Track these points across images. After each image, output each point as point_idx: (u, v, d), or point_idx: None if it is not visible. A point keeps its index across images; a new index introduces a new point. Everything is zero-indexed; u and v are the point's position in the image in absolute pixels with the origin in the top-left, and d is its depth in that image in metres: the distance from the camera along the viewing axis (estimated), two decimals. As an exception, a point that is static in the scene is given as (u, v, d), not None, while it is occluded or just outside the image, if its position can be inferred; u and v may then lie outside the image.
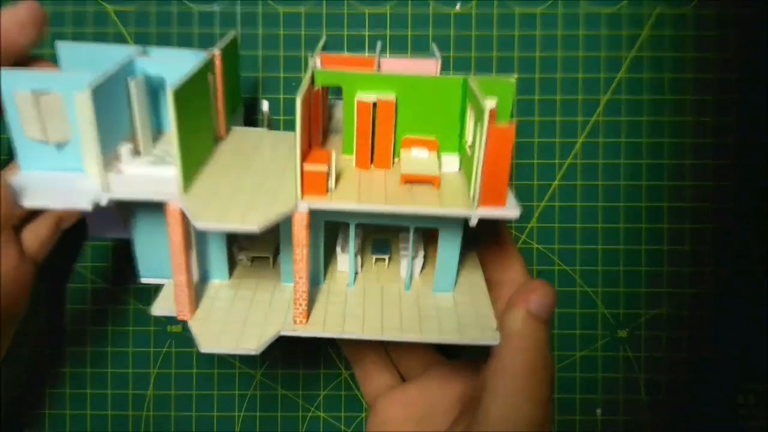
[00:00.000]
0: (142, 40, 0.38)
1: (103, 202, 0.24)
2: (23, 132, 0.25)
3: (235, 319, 0.27)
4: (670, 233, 0.38)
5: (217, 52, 0.28)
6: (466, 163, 0.26)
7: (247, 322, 0.26)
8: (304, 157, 0.24)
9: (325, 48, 0.31)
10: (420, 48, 0.38)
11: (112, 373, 0.38)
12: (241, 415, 0.38)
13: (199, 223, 0.22)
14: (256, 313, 0.27)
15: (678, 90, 0.38)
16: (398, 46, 0.38)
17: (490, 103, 0.22)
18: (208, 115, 0.28)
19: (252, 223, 0.22)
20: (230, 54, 0.29)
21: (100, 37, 0.38)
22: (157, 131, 0.30)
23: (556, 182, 0.38)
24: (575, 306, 0.38)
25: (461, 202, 0.24)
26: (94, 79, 0.23)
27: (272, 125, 0.32)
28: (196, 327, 0.26)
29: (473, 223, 0.24)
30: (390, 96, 0.26)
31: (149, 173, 0.25)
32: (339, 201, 0.24)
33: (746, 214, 0.38)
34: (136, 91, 0.26)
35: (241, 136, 0.31)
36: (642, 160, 0.38)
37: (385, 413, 0.30)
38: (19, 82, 0.24)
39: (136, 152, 0.27)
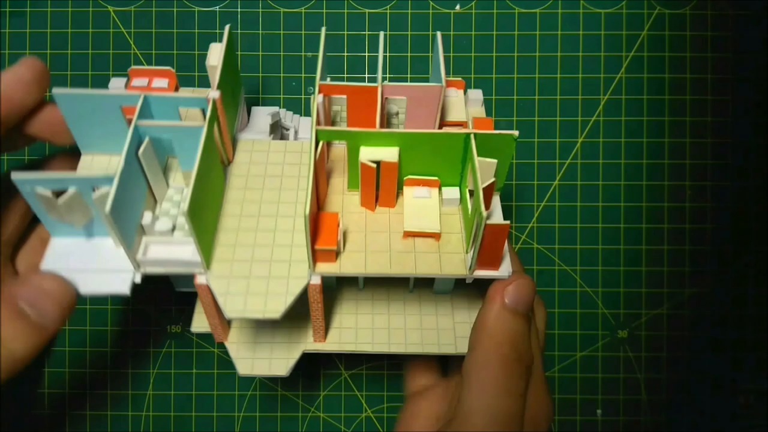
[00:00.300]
0: (143, 40, 0.38)
1: (138, 280, 0.26)
2: (47, 215, 0.25)
3: (264, 339, 0.29)
4: (670, 233, 0.38)
5: (217, 94, 0.27)
6: (465, 202, 0.27)
7: (275, 340, 0.29)
8: (313, 228, 0.25)
9: (324, 75, 0.31)
10: (419, 48, 0.38)
11: (111, 372, 0.38)
12: (241, 416, 0.38)
13: (229, 315, 0.25)
14: (282, 331, 0.29)
15: (678, 90, 0.38)
16: (398, 47, 0.38)
17: (488, 173, 0.25)
18: (219, 170, 0.28)
19: (273, 312, 0.25)
20: (228, 58, 0.29)
21: (100, 38, 0.38)
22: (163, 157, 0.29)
23: (556, 182, 0.38)
24: (576, 306, 0.38)
25: (460, 259, 0.26)
26: (108, 177, 0.24)
27: (282, 134, 0.33)
28: (233, 351, 0.29)
29: (469, 281, 0.26)
30: (393, 153, 0.26)
31: (175, 249, 0.26)
32: (347, 269, 0.26)
33: (746, 214, 0.38)
34: (145, 159, 0.26)
35: (247, 155, 0.30)
36: (642, 160, 0.38)
37: (413, 408, 0.30)
38: (35, 184, 0.24)
39: (152, 201, 0.27)
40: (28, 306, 0.23)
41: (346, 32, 0.38)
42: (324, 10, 0.38)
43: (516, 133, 0.25)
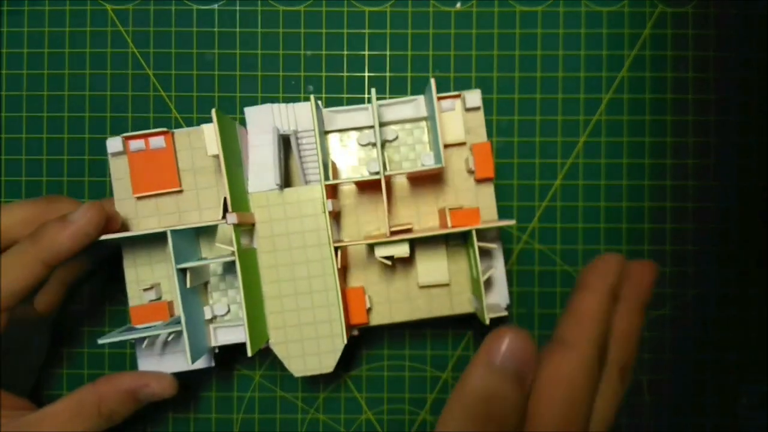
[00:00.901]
0: (141, 39, 0.38)
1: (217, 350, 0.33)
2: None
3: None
4: (672, 233, 0.37)
5: (234, 218, 0.29)
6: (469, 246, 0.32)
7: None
8: (345, 304, 0.31)
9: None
10: (419, 47, 0.37)
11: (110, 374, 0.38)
12: (240, 417, 0.38)
13: (296, 375, 0.32)
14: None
15: (680, 89, 0.37)
16: (398, 45, 0.37)
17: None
18: (252, 252, 0.32)
19: (328, 368, 0.32)
20: (224, 134, 0.29)
21: (98, 36, 0.37)
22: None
23: (558, 182, 0.37)
24: (577, 307, 0.37)
25: (467, 299, 0.33)
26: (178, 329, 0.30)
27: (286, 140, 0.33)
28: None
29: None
30: (404, 249, 0.30)
31: (237, 330, 0.33)
32: (377, 321, 0.33)
33: (750, 214, 0.37)
34: (193, 283, 0.30)
35: (264, 211, 0.32)
36: (644, 159, 0.37)
37: None
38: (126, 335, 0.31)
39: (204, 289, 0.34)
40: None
41: (345, 30, 0.38)
42: (324, 9, 0.37)
43: (513, 222, 0.30)
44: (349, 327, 0.31)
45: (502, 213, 0.37)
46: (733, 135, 0.37)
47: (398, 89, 0.37)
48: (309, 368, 0.32)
